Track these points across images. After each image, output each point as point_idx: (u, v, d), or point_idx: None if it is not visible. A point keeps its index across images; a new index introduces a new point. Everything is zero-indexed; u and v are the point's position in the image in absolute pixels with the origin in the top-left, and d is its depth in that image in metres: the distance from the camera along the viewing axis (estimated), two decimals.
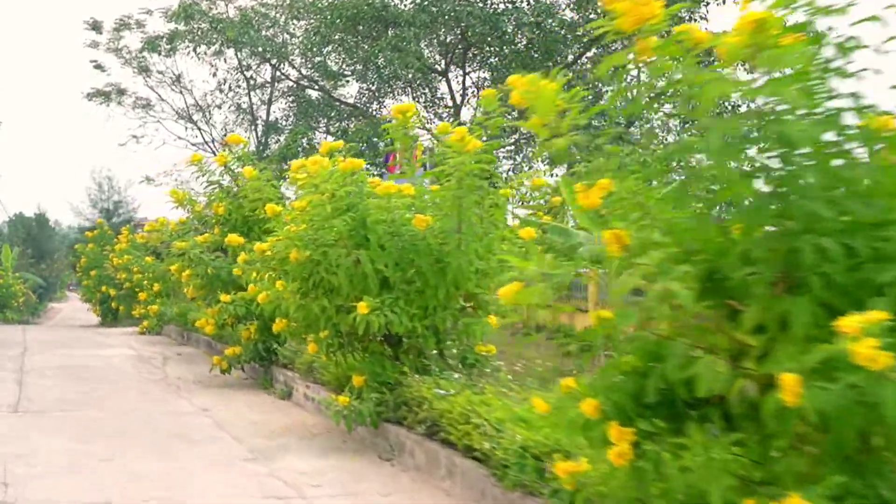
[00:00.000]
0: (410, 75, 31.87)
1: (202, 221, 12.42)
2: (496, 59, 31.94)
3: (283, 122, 34.80)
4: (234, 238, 10.33)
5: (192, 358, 14.03)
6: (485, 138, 6.90)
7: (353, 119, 33.56)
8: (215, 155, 33.39)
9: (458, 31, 29.59)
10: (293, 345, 10.14)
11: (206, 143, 35.79)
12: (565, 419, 3.74)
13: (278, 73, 34.31)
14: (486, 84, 32.38)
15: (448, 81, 31.68)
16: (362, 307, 6.69)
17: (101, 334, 20.50)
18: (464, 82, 31.70)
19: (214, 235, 11.22)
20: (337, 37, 30.75)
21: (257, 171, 9.27)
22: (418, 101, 33.76)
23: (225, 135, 35.65)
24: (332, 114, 34.59)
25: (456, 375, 6.78)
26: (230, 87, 34.42)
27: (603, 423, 3.55)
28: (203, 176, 10.98)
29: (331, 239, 6.98)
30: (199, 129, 35.52)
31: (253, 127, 35.48)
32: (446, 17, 28.65)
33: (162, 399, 9.71)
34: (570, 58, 31.19)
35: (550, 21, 29.45)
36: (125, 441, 7.30)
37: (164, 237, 14.47)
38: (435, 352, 7.37)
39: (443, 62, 32.79)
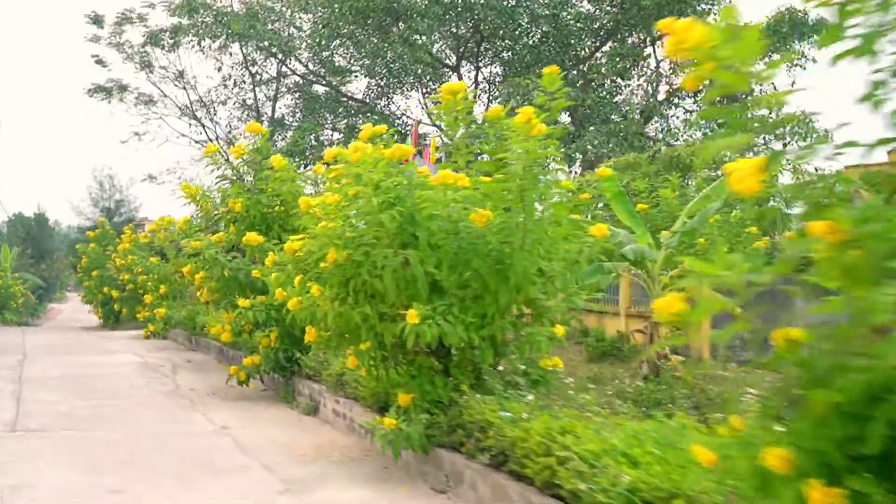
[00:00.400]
0: (420, 70, 30.98)
1: (214, 219, 11.52)
2: (509, 53, 31.07)
3: (290, 119, 33.85)
4: (252, 237, 9.43)
5: (204, 366, 13.12)
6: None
7: (360, 115, 32.63)
8: (220, 154, 32.47)
9: (472, 24, 28.65)
10: (319, 354, 9.23)
11: (210, 140, 34.80)
12: (737, 472, 2.83)
13: (284, 69, 33.36)
14: (497, 80, 31.52)
15: (460, 76, 30.74)
16: (412, 315, 5.78)
17: (104, 338, 19.60)
18: (476, 77, 30.77)
19: (229, 234, 10.31)
20: (345, 30, 29.84)
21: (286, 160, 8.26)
22: (427, 98, 32.86)
23: (230, 132, 34.78)
24: (339, 110, 33.67)
25: (529, 397, 5.83)
26: (235, 83, 33.46)
27: (798, 481, 2.65)
28: (218, 169, 10.08)
29: (373, 237, 6.07)
30: (203, 125, 34.57)
31: (260, 122, 34.46)
32: (459, 8, 27.73)
33: (176, 415, 8.80)
34: (585, 52, 30.27)
35: (566, 14, 28.55)
36: (138, 469, 6.38)
37: (172, 236, 13.57)
38: (492, 366, 6.45)
39: (453, 57, 31.90)
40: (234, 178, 10.17)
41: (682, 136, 28.36)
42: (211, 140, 34.88)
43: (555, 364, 6.38)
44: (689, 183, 17.14)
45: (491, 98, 30.54)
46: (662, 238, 10.38)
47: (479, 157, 6.94)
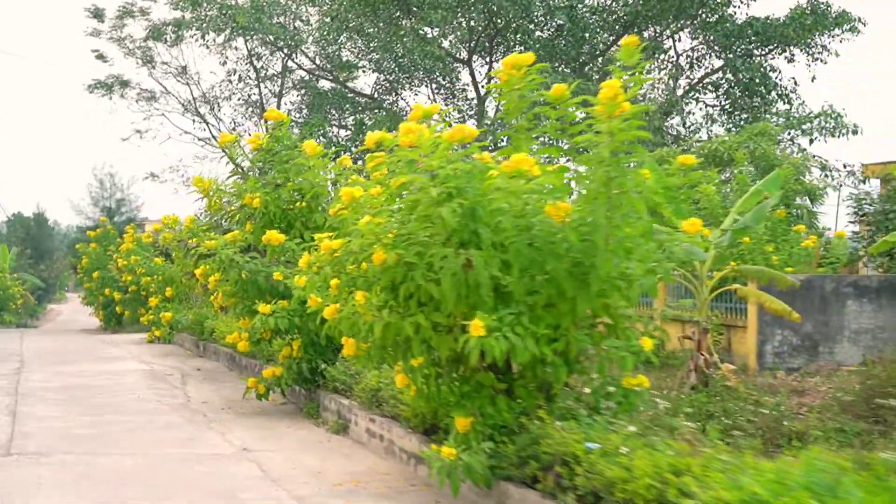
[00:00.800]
0: (430, 65, 30.07)
1: (227, 216, 10.60)
2: (521, 47, 30.19)
3: (295, 116, 32.90)
4: (273, 235, 8.53)
5: (215, 375, 12.21)
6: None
7: (367, 112, 31.71)
8: (224, 151, 31.57)
9: (486, 16, 27.73)
10: (349, 366, 8.33)
11: (214, 137, 33.87)
12: None
13: (290, 64, 32.44)
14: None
15: (472, 71, 29.83)
16: (477, 327, 4.87)
17: (106, 342, 18.68)
18: (489, 72, 29.80)
19: (245, 233, 9.39)
20: (354, 23, 28.91)
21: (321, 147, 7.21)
22: (438, 94, 32.01)
23: (234, 129, 33.84)
24: (346, 107, 32.74)
25: (631, 427, 4.88)
26: (240, 78, 32.50)
27: None
28: (234, 160, 9.18)
29: (427, 235, 5.18)
30: (207, 122, 33.61)
31: (262, 120, 33.58)
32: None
33: (190, 434, 7.89)
34: (602, 46, 29.38)
35: (582, 6, 27.67)
36: None
37: (180, 236, 12.65)
38: (564, 386, 5.55)
39: (464, 52, 31.00)
40: (251, 170, 9.25)
41: (703, 130, 27.52)
42: (214, 137, 33.99)
43: (640, 383, 5.46)
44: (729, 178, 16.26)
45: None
46: (710, 237, 9.50)
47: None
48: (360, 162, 9.66)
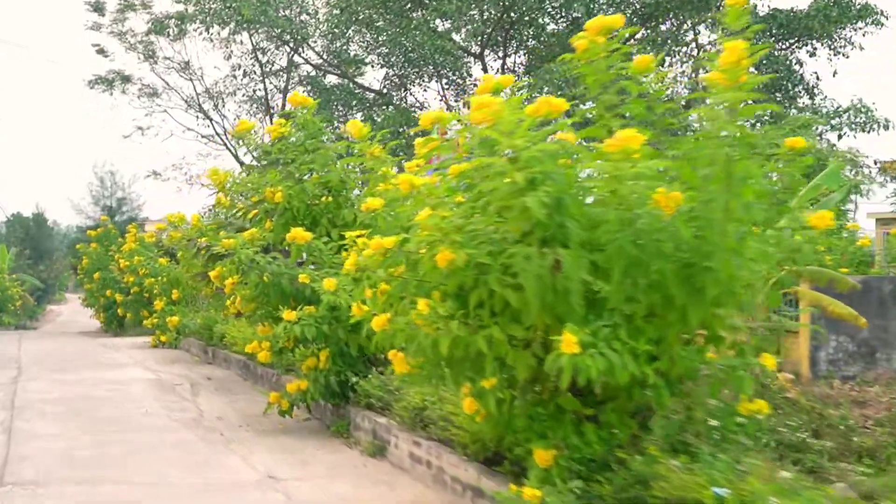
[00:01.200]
0: (441, 59, 29.16)
1: (239, 213, 9.71)
2: (534, 41, 29.36)
3: (301, 112, 31.97)
4: (299, 233, 7.63)
5: (227, 384, 11.30)
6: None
7: (375, 108, 30.79)
8: (227, 148, 30.57)
9: (502, 8, 26.82)
10: (385, 380, 7.44)
11: (218, 134, 33.02)
12: None
13: (296, 58, 31.51)
14: (522, 70, 29.75)
15: (484, 66, 28.92)
16: (569, 343, 3.98)
17: (108, 346, 17.76)
18: (503, 66, 28.94)
19: (264, 231, 8.49)
20: (363, 15, 28.02)
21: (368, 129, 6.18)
22: (448, 89, 31.13)
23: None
24: (354, 103, 31.82)
25: (760, 462, 3.97)
26: (244, 73, 31.57)
27: None
28: (254, 150, 8.30)
29: (504, 231, 4.28)
30: (210, 119, 32.69)
31: (268, 117, 32.68)
32: None
33: (206, 457, 6.99)
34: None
35: None
36: None
37: (189, 234, 11.75)
38: (663, 413, 4.64)
39: (474, 45, 30.10)
40: (270, 163, 8.36)
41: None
42: (218, 134, 33.12)
43: (759, 409, 4.55)
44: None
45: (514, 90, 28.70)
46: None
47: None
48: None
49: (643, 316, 4.33)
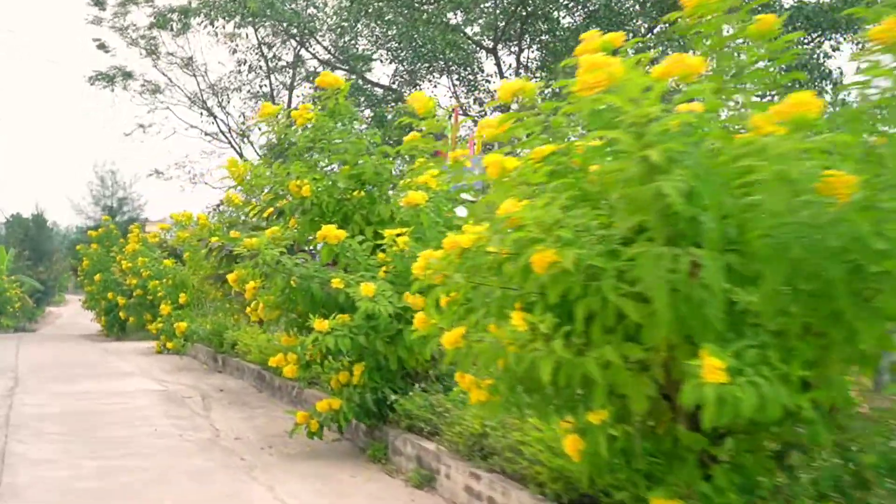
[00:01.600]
0: (452, 54, 28.28)
1: (255, 210, 8.81)
2: (548, 35, 28.49)
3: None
4: (331, 231, 6.73)
5: (242, 397, 10.38)
6: None
7: (384, 104, 29.87)
8: (232, 146, 29.68)
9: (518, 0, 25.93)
10: (431, 397, 6.54)
11: (222, 132, 32.12)
12: None
13: (303, 53, 30.60)
14: (535, 65, 28.89)
15: (498, 61, 28.03)
16: (712, 370, 3.06)
17: (110, 353, 16.86)
18: (518, 60, 28.04)
19: (287, 229, 7.59)
20: (372, 8, 27.13)
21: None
22: (460, 85, 30.27)
23: (244, 122, 32.08)
24: (363, 99, 30.90)
25: None
26: (251, 68, 30.65)
27: None
28: (278, 137, 7.40)
29: (629, 227, 3.37)
30: (214, 116, 31.77)
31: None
32: None
33: (228, 488, 6.07)
34: (639, 33, 27.58)
35: None
36: None
37: (200, 234, 10.88)
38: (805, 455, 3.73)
39: (486, 39, 29.22)
40: (299, 151, 7.45)
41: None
42: (222, 132, 32.21)
43: None
44: None
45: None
46: None
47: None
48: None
49: (797, 334, 3.42)
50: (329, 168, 7.49)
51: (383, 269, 6.87)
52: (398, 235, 6.63)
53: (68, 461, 6.82)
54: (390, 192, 7.50)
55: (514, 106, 4.12)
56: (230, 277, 7.64)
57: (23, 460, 6.86)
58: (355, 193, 7.41)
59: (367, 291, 6.42)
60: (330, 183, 7.28)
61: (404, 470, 6.47)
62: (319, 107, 7.49)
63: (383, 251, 6.92)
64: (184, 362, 14.36)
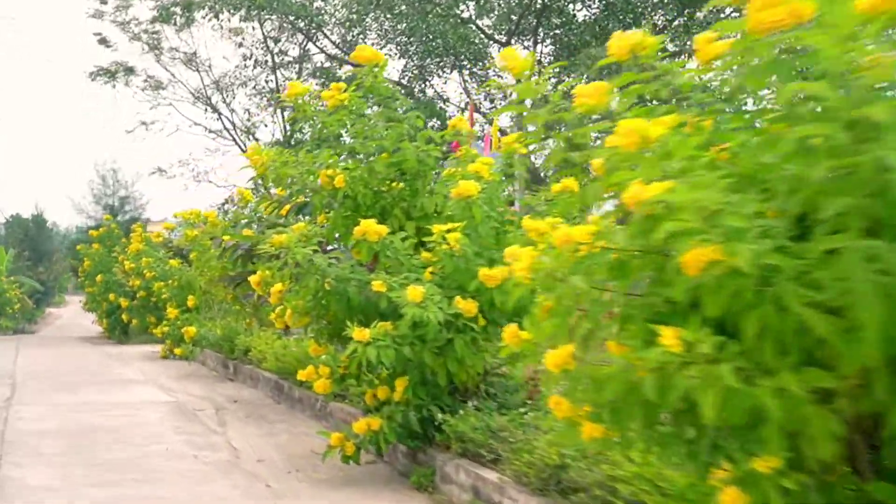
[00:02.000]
0: (464, 49, 27.45)
1: (269, 207, 8.00)
2: (563, 29, 27.72)
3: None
4: (370, 227, 5.88)
5: (259, 410, 9.53)
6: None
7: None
8: (237, 144, 28.84)
9: None
10: (485, 418, 5.70)
11: (226, 128, 31.29)
12: None
13: (310, 47, 29.76)
14: (549, 60, 28.06)
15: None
16: None
17: (113, 357, 16.01)
18: (534, 53, 27.12)
19: (316, 225, 6.74)
20: (382, 0, 26.32)
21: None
22: (471, 81, 29.47)
23: (249, 118, 31.27)
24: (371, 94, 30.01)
25: None
26: (256, 63, 29.80)
27: None
28: (309, 120, 6.56)
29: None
30: (219, 113, 30.91)
31: (281, 109, 30.93)
32: None
33: None
34: (657, 27, 26.78)
35: None
36: None
37: (214, 231, 10.05)
38: None
39: (497, 33, 28.42)
40: (330, 138, 6.62)
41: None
42: (226, 129, 31.37)
43: None
44: None
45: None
46: None
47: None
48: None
49: None
50: (366, 156, 6.63)
51: (429, 269, 6.03)
52: (448, 232, 5.79)
53: (70, 489, 5.97)
54: (433, 184, 6.66)
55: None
56: (252, 280, 6.79)
57: (19, 487, 6.02)
58: (394, 185, 6.57)
59: (415, 296, 5.58)
60: (366, 173, 6.43)
61: (456, 500, 5.62)
62: (354, 86, 6.64)
63: (427, 250, 6.09)
64: (192, 369, 13.50)
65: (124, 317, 20.61)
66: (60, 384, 11.60)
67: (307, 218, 7.15)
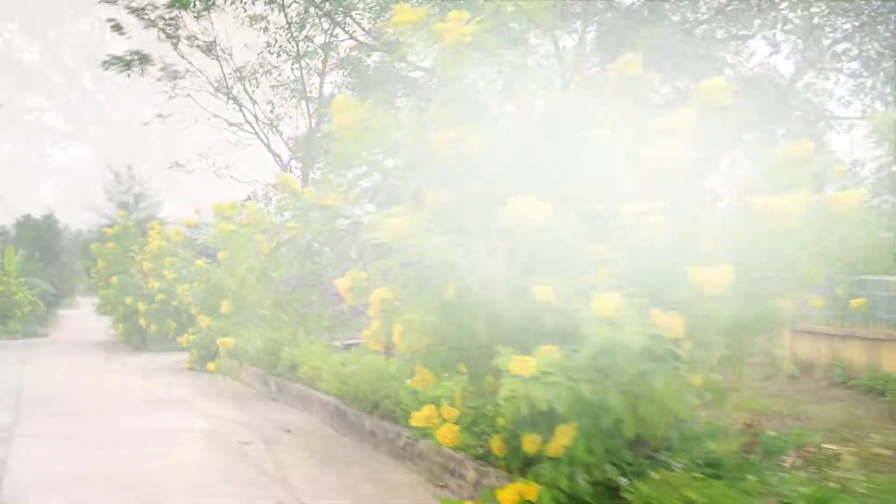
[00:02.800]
0: (505, 34, 25.52)
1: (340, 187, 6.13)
2: (602, 15, 25.81)
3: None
4: (527, 206, 4.01)
5: (320, 442, 7.67)
6: None
7: (427, 88, 27.12)
8: (259, 137, 27.06)
9: None
10: (681, 477, 3.84)
11: (247, 121, 29.47)
12: None
13: (338, 32, 27.90)
14: (589, 48, 26.14)
15: (556, 42, 25.25)
16: None
17: (134, 370, 14.17)
18: (580, 41, 25.22)
19: (423, 210, 4.86)
20: None
21: None
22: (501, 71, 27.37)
23: (272, 111, 29.51)
24: (399, 85, 28.20)
25: None
26: (280, 49, 27.96)
27: None
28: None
29: None
30: (240, 104, 29.05)
31: (303, 101, 29.11)
32: None
33: None
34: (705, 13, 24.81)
35: None
36: None
37: (264, 224, 8.24)
38: None
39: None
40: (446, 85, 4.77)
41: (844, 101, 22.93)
42: (247, 121, 29.53)
43: None
44: None
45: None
46: None
47: None
48: None
49: None
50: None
51: (604, 269, 4.18)
52: (644, 213, 3.94)
53: None
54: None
55: None
56: (341, 284, 4.93)
57: None
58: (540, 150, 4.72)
59: (605, 309, 3.73)
60: (505, 132, 4.58)
61: None
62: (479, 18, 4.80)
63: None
64: (226, 384, 11.65)
65: (142, 322, 18.80)
66: (75, 406, 9.80)
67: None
